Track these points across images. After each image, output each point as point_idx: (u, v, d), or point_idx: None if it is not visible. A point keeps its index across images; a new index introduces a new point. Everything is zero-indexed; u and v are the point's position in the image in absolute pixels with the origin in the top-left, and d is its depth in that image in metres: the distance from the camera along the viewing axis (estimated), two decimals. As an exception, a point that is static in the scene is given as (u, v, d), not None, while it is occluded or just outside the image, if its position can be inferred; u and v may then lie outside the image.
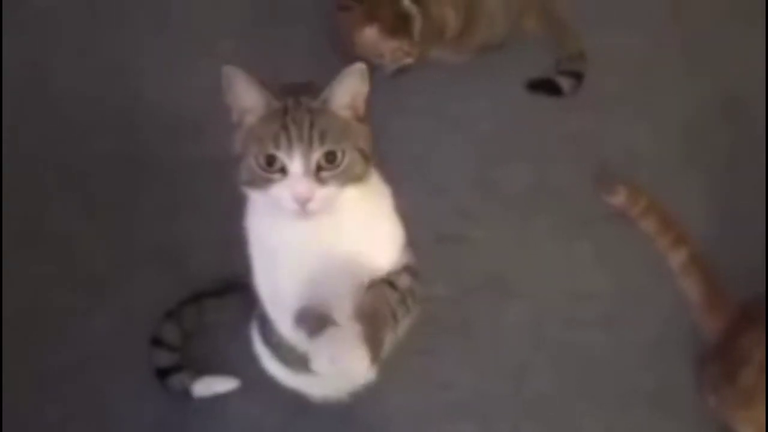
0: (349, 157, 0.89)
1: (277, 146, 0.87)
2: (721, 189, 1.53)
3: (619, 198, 1.46)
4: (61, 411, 1.30)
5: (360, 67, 0.89)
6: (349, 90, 0.90)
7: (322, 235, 0.93)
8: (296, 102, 0.89)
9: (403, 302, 0.95)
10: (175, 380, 1.28)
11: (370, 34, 1.49)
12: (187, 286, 1.35)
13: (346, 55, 1.49)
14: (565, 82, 1.62)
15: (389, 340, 0.92)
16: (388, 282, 0.95)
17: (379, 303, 0.92)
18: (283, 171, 0.88)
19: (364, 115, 0.93)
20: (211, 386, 1.29)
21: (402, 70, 1.56)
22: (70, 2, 1.71)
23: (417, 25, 1.53)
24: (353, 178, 0.90)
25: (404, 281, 0.97)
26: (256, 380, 1.26)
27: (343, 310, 0.91)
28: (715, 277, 1.38)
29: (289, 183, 0.87)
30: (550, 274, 1.44)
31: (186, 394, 1.28)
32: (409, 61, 1.55)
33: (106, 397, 1.31)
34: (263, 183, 0.89)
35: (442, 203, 1.48)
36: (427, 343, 1.32)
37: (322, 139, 0.87)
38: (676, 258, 1.41)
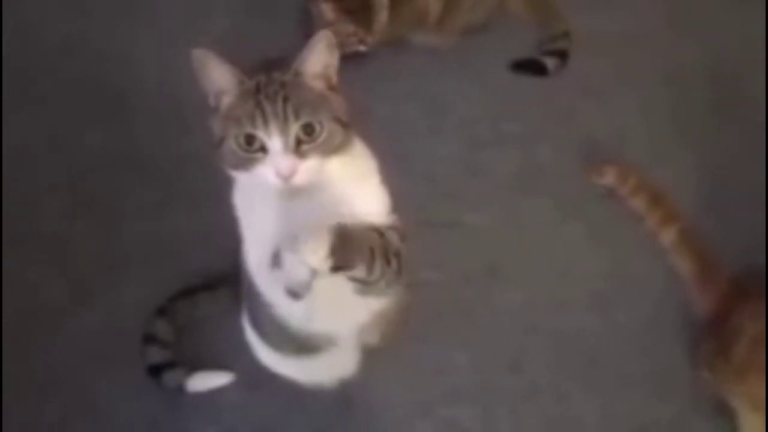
0: (327, 128, 0.89)
1: (254, 125, 0.86)
2: (712, 164, 1.53)
3: (607, 179, 1.46)
4: (58, 410, 1.28)
5: (326, 34, 0.89)
6: (318, 59, 0.89)
7: (310, 205, 0.93)
8: (268, 78, 0.88)
9: (385, 252, 0.93)
10: (169, 377, 1.27)
11: (325, 8, 1.48)
12: (178, 282, 1.34)
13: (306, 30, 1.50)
14: (549, 62, 1.61)
15: (360, 272, 0.90)
16: (374, 227, 0.95)
17: (360, 231, 0.91)
18: (264, 149, 0.87)
19: (337, 85, 0.92)
20: (205, 381, 1.28)
21: (354, 58, 1.53)
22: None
23: (381, 18, 1.51)
24: (334, 148, 0.90)
25: (391, 236, 0.96)
26: (250, 373, 1.25)
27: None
28: (706, 253, 1.38)
29: (271, 161, 0.87)
30: (543, 257, 1.44)
31: (180, 390, 1.27)
32: (362, 49, 1.53)
33: (102, 395, 1.29)
34: (246, 163, 0.88)
35: (432, 189, 1.47)
36: (422, 329, 1.32)
37: (297, 112, 0.87)
38: (667, 235, 1.41)
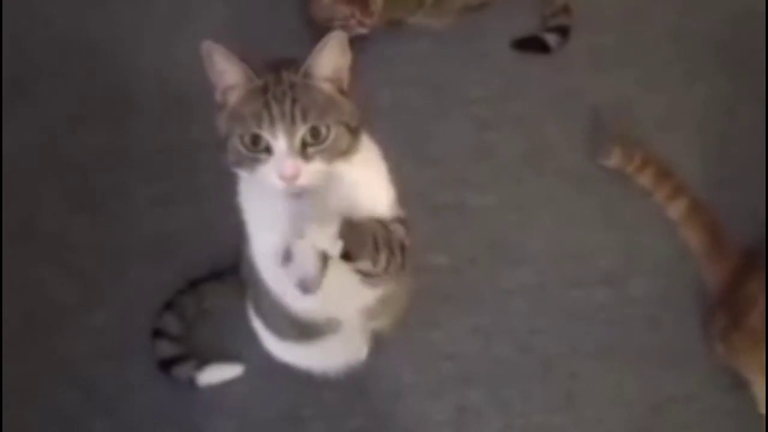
0: (334, 132, 0.87)
1: (260, 125, 0.86)
2: (720, 136, 1.51)
3: (614, 160, 1.44)
4: (70, 405, 1.29)
5: (338, 35, 0.87)
6: (329, 61, 0.88)
7: (315, 203, 0.91)
8: (277, 78, 0.87)
9: (389, 243, 0.94)
10: (180, 370, 1.27)
11: None
12: (185, 275, 1.33)
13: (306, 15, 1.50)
14: (551, 39, 1.59)
15: (366, 264, 0.91)
16: (379, 221, 0.95)
17: (365, 223, 0.92)
18: (269, 150, 0.87)
19: (349, 88, 0.91)
20: (216, 374, 1.28)
21: (355, 40, 1.51)
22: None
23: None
24: (340, 152, 0.89)
25: (396, 228, 0.96)
26: (261, 364, 1.25)
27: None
28: (716, 225, 1.37)
29: (275, 162, 0.86)
30: (552, 236, 1.43)
31: (191, 383, 1.27)
32: (362, 32, 1.51)
33: (113, 390, 1.30)
34: (250, 163, 0.88)
35: (438, 172, 1.46)
36: (431, 314, 1.32)
37: (305, 115, 0.85)
38: (676, 209, 1.40)
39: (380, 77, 1.52)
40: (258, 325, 1.20)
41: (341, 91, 0.90)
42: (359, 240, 0.89)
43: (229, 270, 1.27)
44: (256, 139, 0.86)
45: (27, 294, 1.38)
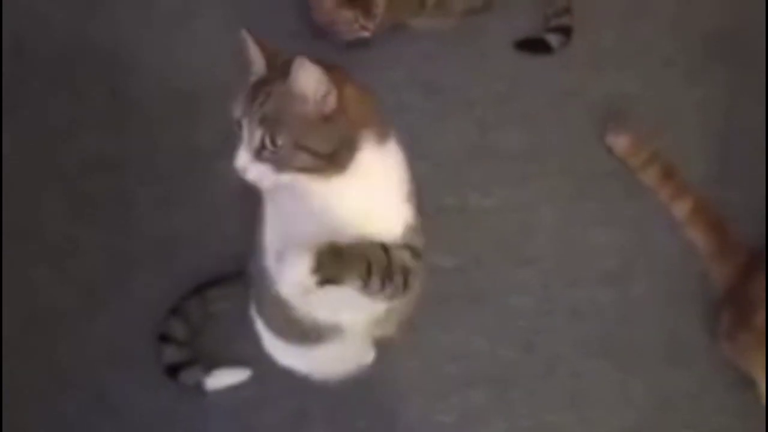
0: (288, 149, 0.87)
1: (236, 111, 0.89)
2: (725, 134, 1.52)
3: (622, 144, 1.44)
4: (78, 409, 1.30)
5: (306, 65, 0.85)
6: (301, 83, 0.87)
7: (318, 211, 0.93)
8: (272, 79, 0.89)
9: (386, 267, 0.94)
10: (187, 375, 1.28)
11: None
12: (189, 280, 1.33)
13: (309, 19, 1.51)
14: (553, 39, 1.59)
15: (355, 285, 0.91)
16: (381, 244, 0.94)
17: (356, 247, 0.92)
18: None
19: (334, 114, 0.88)
20: (223, 378, 1.28)
21: (358, 43, 1.52)
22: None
23: (379, 2, 1.50)
24: (296, 169, 0.88)
25: (400, 255, 0.96)
26: (268, 368, 1.25)
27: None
28: (722, 224, 1.38)
29: (236, 151, 0.89)
30: (555, 236, 1.43)
31: (199, 388, 1.27)
32: (364, 35, 1.51)
33: (120, 394, 1.30)
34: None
35: (441, 173, 1.46)
36: (436, 315, 1.32)
37: (262, 121, 0.87)
38: (680, 209, 1.40)
39: (383, 80, 1.50)
40: (260, 327, 1.20)
41: (325, 117, 0.88)
42: (345, 264, 0.89)
43: (234, 274, 1.28)
44: (239, 124, 0.89)
45: (29, 299, 1.38)
